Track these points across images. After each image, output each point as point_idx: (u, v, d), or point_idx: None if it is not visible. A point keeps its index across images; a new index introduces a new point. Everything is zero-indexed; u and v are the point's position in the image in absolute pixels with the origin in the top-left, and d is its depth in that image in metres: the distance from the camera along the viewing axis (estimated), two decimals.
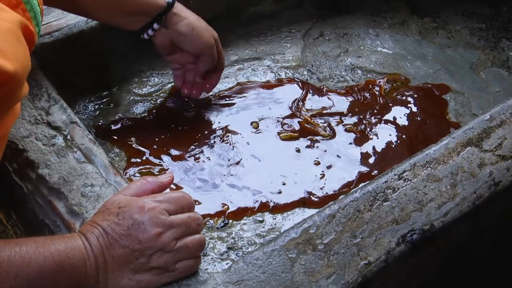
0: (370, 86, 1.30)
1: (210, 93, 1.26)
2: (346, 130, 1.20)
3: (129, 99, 1.24)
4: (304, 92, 1.28)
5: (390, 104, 1.27)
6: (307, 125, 1.20)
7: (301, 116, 1.22)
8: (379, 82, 1.32)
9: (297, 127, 1.20)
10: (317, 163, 1.14)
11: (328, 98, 1.27)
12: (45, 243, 0.75)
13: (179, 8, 1.14)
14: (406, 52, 1.41)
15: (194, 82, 1.23)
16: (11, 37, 0.70)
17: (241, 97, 1.26)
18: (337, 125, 1.21)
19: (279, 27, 1.44)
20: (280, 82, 1.30)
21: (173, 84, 1.27)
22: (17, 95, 0.74)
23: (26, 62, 0.74)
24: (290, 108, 1.24)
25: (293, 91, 1.28)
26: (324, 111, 1.24)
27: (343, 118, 1.23)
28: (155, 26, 1.14)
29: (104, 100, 1.22)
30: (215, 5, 1.35)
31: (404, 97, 1.28)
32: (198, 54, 1.17)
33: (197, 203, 1.05)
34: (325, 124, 1.21)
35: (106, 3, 1.10)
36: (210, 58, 1.17)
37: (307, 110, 1.24)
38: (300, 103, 1.25)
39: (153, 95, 1.25)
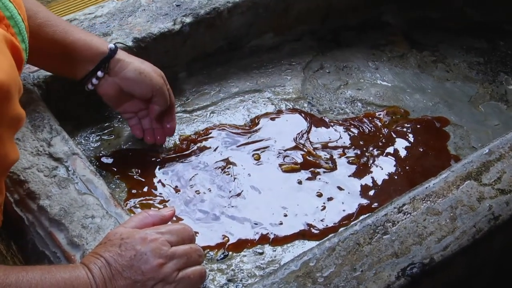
0: (370, 119, 1.31)
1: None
2: (349, 163, 1.21)
3: (130, 130, 1.24)
4: (309, 124, 1.28)
5: (394, 136, 1.27)
6: (309, 158, 1.21)
7: (304, 149, 1.22)
8: (379, 114, 1.33)
9: (299, 159, 1.20)
10: (320, 195, 1.14)
11: (335, 130, 1.27)
12: (50, 270, 0.76)
13: (122, 54, 1.10)
14: (406, 85, 1.42)
15: (152, 128, 1.18)
16: None
17: (244, 130, 1.27)
18: (340, 157, 1.22)
19: (280, 59, 1.45)
20: (281, 114, 1.30)
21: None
22: (5, 111, 0.70)
23: (13, 74, 0.70)
24: (295, 140, 1.25)
25: (296, 123, 1.29)
26: (330, 144, 1.24)
27: (346, 151, 1.23)
28: (99, 74, 1.08)
29: (106, 131, 1.23)
30: (217, 38, 1.36)
31: (405, 130, 1.29)
32: (150, 97, 1.12)
33: (197, 234, 1.05)
34: (328, 156, 1.21)
35: (43, 49, 1.03)
36: (163, 99, 1.12)
37: (311, 142, 1.24)
38: (305, 135, 1.26)
39: None
